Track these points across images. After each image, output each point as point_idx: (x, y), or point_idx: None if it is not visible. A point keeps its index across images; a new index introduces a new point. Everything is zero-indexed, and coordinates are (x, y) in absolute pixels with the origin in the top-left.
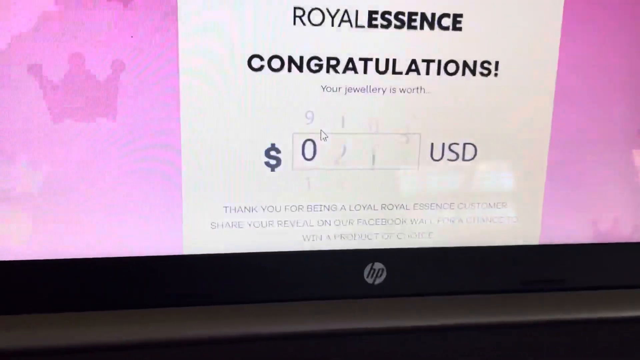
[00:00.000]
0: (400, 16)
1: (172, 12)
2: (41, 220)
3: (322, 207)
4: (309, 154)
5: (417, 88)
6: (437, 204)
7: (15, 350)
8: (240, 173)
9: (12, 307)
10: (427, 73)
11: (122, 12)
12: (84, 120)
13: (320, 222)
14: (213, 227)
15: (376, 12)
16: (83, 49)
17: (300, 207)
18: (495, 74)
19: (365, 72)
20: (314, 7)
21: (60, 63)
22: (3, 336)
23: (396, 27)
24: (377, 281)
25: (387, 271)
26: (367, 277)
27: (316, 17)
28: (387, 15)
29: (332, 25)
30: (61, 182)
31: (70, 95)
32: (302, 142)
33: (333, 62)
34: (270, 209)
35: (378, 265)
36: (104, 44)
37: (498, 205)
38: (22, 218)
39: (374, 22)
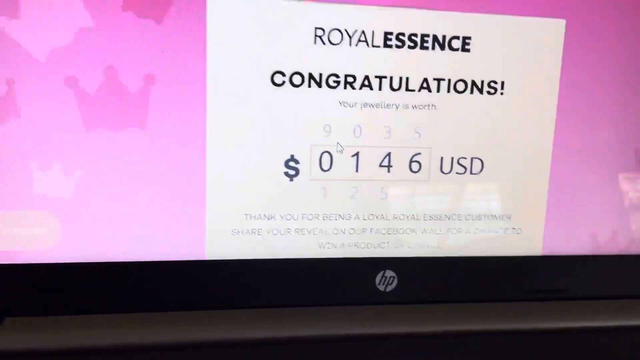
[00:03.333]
0: (413, 37)
1: (201, 30)
2: (70, 225)
3: (337, 216)
4: (325, 165)
5: (428, 105)
6: (446, 215)
7: (46, 351)
8: (261, 182)
9: (41, 309)
10: (438, 91)
11: (154, 28)
12: (116, 130)
13: (335, 231)
14: (234, 233)
15: (391, 34)
16: (117, 62)
17: (317, 215)
18: (502, 93)
19: (380, 88)
20: (333, 27)
21: (95, 75)
22: (35, 337)
23: (409, 47)
24: (389, 288)
25: (398, 279)
26: (379, 284)
27: (335, 37)
28: (401, 37)
29: (350, 45)
30: (91, 188)
31: (104, 105)
32: (319, 154)
33: (350, 79)
34: (288, 217)
35: (389, 273)
36: (136, 58)
37: (503, 218)
38: (52, 222)
39: (388, 43)
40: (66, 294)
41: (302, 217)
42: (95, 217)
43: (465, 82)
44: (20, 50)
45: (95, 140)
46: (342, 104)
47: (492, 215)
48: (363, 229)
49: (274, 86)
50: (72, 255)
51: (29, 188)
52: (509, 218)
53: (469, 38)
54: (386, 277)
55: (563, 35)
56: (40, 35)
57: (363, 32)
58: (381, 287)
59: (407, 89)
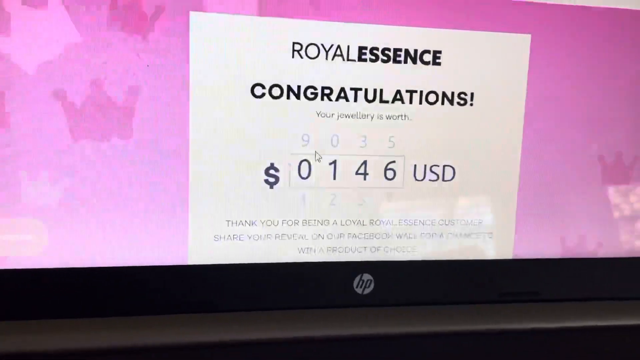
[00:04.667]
0: (386, 52)
1: (184, 45)
2: (57, 231)
3: (316, 222)
4: (304, 173)
5: (402, 115)
6: (420, 221)
7: (33, 353)
8: (242, 190)
9: (27, 312)
10: (410, 102)
11: (141, 44)
12: (101, 140)
13: (314, 236)
14: (216, 239)
15: (365, 48)
16: (103, 76)
17: (296, 221)
18: (471, 104)
19: (355, 100)
20: (310, 42)
21: (82, 88)
22: (23, 340)
23: (383, 61)
24: (366, 291)
25: (375, 282)
26: (357, 287)
27: (312, 51)
28: (374, 51)
29: (327, 58)
30: (77, 196)
31: (90, 117)
32: (298, 162)
33: (327, 91)
34: (269, 223)
35: (366, 277)
36: (122, 71)
37: (474, 222)
38: (40, 229)
39: (363, 57)
40: (54, 298)
41: (282, 223)
42: (81, 224)
43: (436, 93)
44: (10, 64)
45: (81, 150)
46: (320, 115)
47: (464, 221)
48: (340, 234)
49: (254, 98)
50: (60, 261)
51: (18, 196)
52: (480, 223)
53: (440, 52)
54: (363, 280)
55: (528, 49)
56: (29, 49)
57: (339, 46)
58: (359, 290)
59: (381, 101)
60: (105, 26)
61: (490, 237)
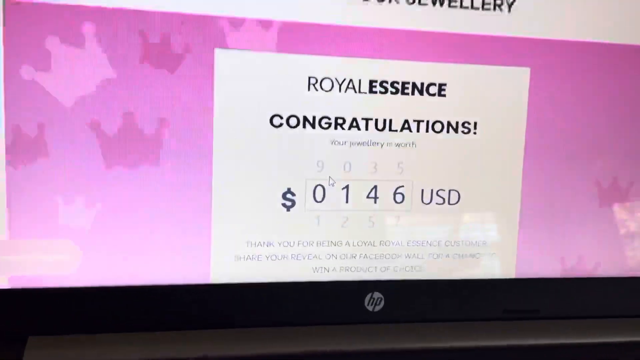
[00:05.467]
0: (395, 84)
1: (209, 79)
2: (90, 252)
3: (330, 243)
4: (319, 197)
5: (410, 143)
6: (427, 242)
7: None
8: (261, 213)
9: (61, 328)
10: (418, 131)
11: (168, 78)
12: (132, 167)
13: (328, 256)
14: (236, 259)
15: (375, 81)
16: (134, 108)
17: (311, 242)
18: (474, 133)
19: (366, 129)
20: (325, 76)
21: (115, 120)
22: (55, 353)
23: (392, 93)
24: (376, 308)
25: (385, 300)
26: (368, 305)
27: (326, 84)
28: (384, 84)
29: (340, 91)
30: (109, 219)
31: (122, 146)
32: (313, 187)
33: (340, 121)
34: (285, 244)
35: (377, 295)
36: (152, 104)
37: (479, 243)
38: (74, 250)
39: (373, 89)
40: (85, 314)
41: (298, 244)
42: (112, 245)
43: (442, 123)
44: (50, 97)
45: (113, 177)
46: (333, 143)
47: (469, 242)
48: (353, 254)
49: (272, 127)
50: (91, 279)
51: (55, 219)
52: (485, 244)
53: (445, 84)
54: (374, 298)
55: (528, 82)
56: (67, 84)
57: (351, 80)
58: (370, 308)
59: (390, 129)
60: (137, 63)
61: (493, 257)
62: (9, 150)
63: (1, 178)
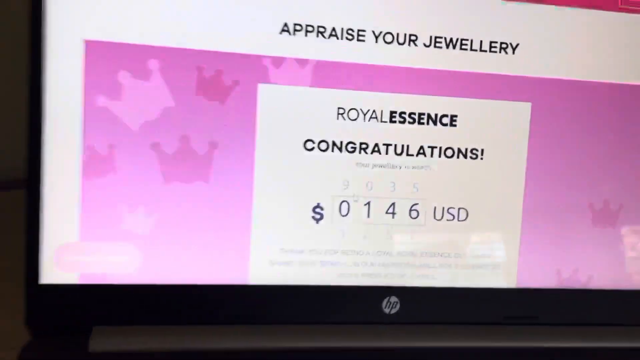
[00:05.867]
0: (412, 115)
1: (253, 109)
2: (149, 255)
3: (352, 252)
4: (344, 212)
5: (424, 166)
6: (438, 253)
7: (123, 352)
8: (294, 224)
9: (121, 319)
10: (432, 156)
11: (218, 108)
12: (186, 183)
13: (351, 264)
14: (272, 264)
15: (395, 112)
16: (189, 132)
17: (337, 251)
18: (482, 158)
19: (387, 153)
20: (351, 107)
21: (173, 142)
22: (116, 341)
23: (409, 122)
24: (393, 311)
25: (400, 304)
26: (385, 307)
27: (353, 114)
28: (403, 115)
29: (364, 120)
30: (165, 227)
31: (178, 164)
32: (339, 203)
33: (364, 146)
34: (314, 252)
35: (393, 299)
36: (204, 129)
37: (484, 256)
38: (135, 252)
39: (393, 119)
40: (143, 308)
41: (325, 252)
42: (167, 249)
43: (452, 149)
44: (120, 122)
45: (170, 190)
46: (358, 165)
47: (475, 254)
48: (372, 262)
49: (305, 150)
50: (149, 278)
51: (119, 225)
52: (489, 257)
53: (456, 116)
54: (391, 302)
55: (529, 114)
56: (134, 111)
57: (374, 111)
58: (387, 310)
59: (407, 154)
60: (193, 94)
61: (497, 269)
62: (84, 165)
63: (77, 189)
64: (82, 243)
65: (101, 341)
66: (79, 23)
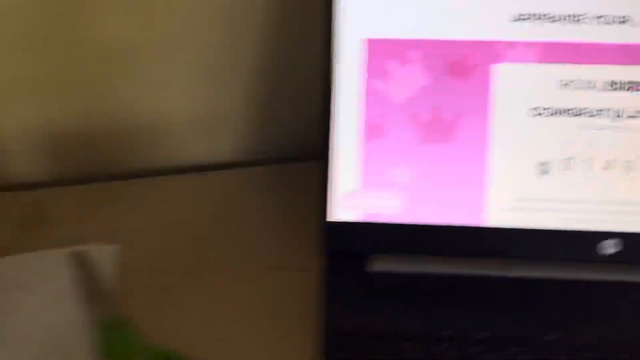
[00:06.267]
0: (625, 84)
1: (488, 84)
2: (408, 200)
3: (575, 201)
4: (567, 167)
5: (638, 127)
6: None
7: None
8: (525, 176)
9: (390, 248)
10: None
11: (462, 84)
12: (437, 144)
13: (572, 210)
14: (505, 210)
15: (609, 82)
16: (440, 104)
17: (561, 200)
18: None
19: (604, 117)
20: (573, 79)
21: (427, 112)
22: (388, 264)
23: (624, 90)
24: (611, 252)
25: (621, 245)
26: (604, 249)
27: (574, 85)
28: (615, 83)
29: (584, 89)
30: (423, 178)
31: (431, 130)
32: (563, 159)
33: (584, 111)
34: (541, 200)
35: (613, 241)
36: (451, 101)
37: None
38: (400, 198)
39: (611, 87)
40: (408, 241)
41: (551, 200)
42: (426, 196)
43: None
44: (388, 99)
45: (425, 150)
46: (578, 127)
47: None
48: (592, 210)
49: (533, 116)
50: (411, 218)
51: (388, 177)
52: None
53: None
54: (610, 244)
55: None
56: (397, 90)
57: (592, 81)
58: (606, 251)
59: (623, 117)
60: (442, 74)
61: None
62: (365, 133)
63: (359, 150)
64: (362, 191)
65: (376, 264)
66: (360, 26)
